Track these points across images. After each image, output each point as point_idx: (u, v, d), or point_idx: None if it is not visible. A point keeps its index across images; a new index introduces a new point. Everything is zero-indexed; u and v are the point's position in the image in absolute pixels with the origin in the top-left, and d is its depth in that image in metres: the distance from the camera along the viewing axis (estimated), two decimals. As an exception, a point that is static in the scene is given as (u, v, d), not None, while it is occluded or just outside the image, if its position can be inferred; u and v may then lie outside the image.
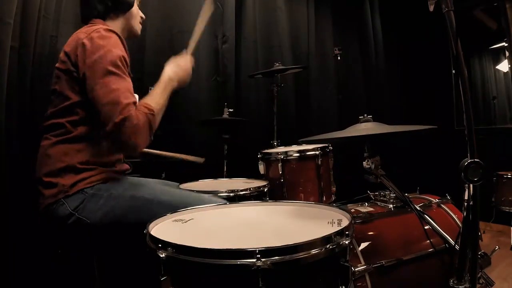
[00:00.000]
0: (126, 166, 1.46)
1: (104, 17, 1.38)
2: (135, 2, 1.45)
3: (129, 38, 1.47)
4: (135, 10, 1.46)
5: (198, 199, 1.33)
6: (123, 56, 1.25)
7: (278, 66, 2.42)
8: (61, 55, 1.28)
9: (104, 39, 1.22)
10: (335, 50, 2.79)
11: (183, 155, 1.83)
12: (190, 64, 1.43)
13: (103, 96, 1.16)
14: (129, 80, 1.24)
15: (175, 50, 2.47)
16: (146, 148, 1.45)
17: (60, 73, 1.26)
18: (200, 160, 1.87)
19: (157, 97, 1.28)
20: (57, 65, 1.29)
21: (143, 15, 1.52)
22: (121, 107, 1.14)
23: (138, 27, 1.50)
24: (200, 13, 1.55)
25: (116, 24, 1.40)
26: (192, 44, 1.51)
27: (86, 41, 1.21)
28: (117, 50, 1.23)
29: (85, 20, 1.38)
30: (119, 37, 1.28)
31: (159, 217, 1.06)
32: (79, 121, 1.25)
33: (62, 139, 1.25)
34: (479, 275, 1.30)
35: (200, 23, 1.55)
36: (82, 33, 1.25)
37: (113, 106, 1.14)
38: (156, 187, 1.36)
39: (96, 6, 1.36)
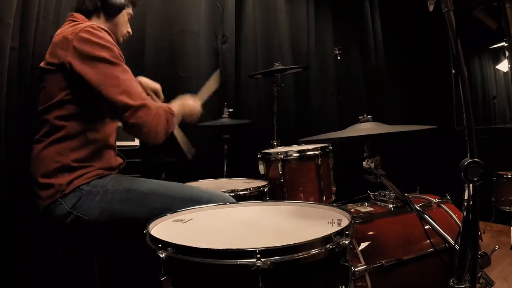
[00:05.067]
0: (120, 160, 1.45)
1: (89, 15, 1.38)
2: (125, 14, 1.46)
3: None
4: (122, 19, 1.46)
5: (192, 190, 1.33)
6: (119, 51, 1.26)
7: (278, 66, 2.42)
8: (47, 57, 1.27)
9: (97, 36, 1.22)
10: (335, 50, 2.78)
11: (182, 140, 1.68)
12: (199, 107, 1.53)
13: (115, 87, 1.18)
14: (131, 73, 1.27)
15: (175, 50, 2.52)
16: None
17: (46, 73, 1.27)
18: (189, 152, 1.70)
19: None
20: (42, 65, 1.29)
21: (130, 31, 1.53)
22: (137, 94, 1.20)
23: (121, 37, 1.50)
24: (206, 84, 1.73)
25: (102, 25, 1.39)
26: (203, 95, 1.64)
27: (80, 35, 1.20)
28: (112, 46, 1.24)
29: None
30: (109, 33, 1.28)
31: (159, 217, 1.06)
32: (68, 117, 1.24)
33: (54, 139, 1.24)
34: (479, 275, 1.30)
35: (204, 92, 1.68)
36: (69, 34, 1.22)
37: (129, 95, 1.18)
38: (153, 181, 1.35)
39: (85, 1, 1.36)
